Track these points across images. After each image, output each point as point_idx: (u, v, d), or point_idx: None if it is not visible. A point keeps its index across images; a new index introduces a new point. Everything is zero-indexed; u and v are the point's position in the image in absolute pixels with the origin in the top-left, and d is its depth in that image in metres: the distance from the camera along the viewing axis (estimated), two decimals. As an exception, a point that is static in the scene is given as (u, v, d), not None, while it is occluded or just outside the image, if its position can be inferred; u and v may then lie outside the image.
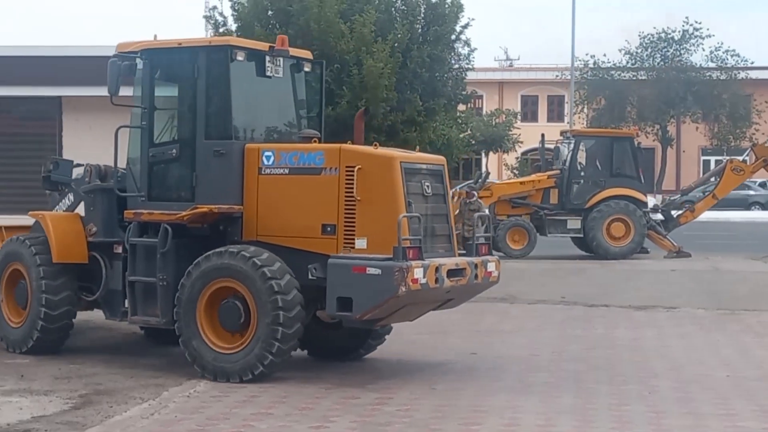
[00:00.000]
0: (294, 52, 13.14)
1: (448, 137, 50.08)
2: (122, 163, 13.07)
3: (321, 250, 11.71)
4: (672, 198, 34.95)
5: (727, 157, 38.19)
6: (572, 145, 28.97)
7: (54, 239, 13.18)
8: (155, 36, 13.00)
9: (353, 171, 11.58)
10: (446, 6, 20.65)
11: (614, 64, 58.81)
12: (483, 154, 67.02)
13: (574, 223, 28.52)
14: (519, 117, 68.09)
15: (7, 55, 23.47)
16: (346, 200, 11.62)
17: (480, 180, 29.86)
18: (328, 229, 11.71)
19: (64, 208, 14.02)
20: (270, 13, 19.97)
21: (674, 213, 30.57)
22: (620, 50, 59.42)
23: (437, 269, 11.45)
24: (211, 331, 11.91)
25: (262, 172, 12.14)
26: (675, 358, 13.63)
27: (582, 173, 28.89)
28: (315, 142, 12.43)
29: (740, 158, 33.08)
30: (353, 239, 11.58)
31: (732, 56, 58.26)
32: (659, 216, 30.31)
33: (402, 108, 19.56)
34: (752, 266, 26.46)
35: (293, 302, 11.50)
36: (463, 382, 11.94)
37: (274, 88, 13.02)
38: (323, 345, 13.24)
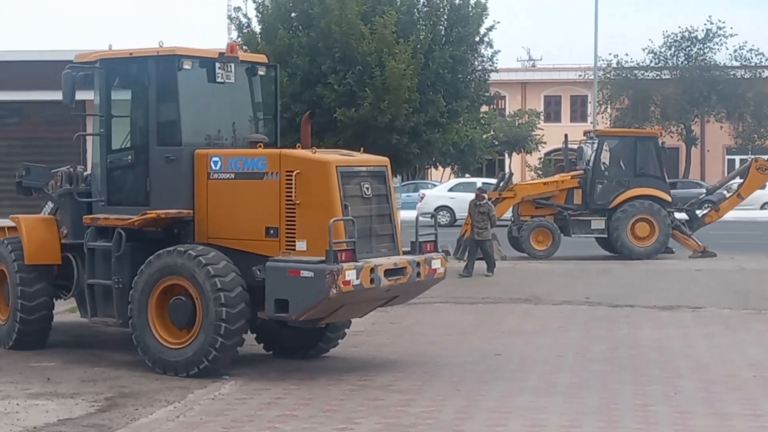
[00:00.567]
0: (247, 57, 13.69)
1: (471, 138, 50.28)
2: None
3: (265, 252, 12.11)
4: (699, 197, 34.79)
5: (752, 156, 37.98)
6: (596, 145, 28.84)
7: (26, 241, 13.83)
8: (110, 46, 13.47)
9: (292, 175, 11.99)
10: (469, 7, 20.62)
11: (638, 64, 58.61)
12: (506, 155, 66.94)
13: (598, 223, 28.40)
14: (542, 117, 67.98)
15: (31, 60, 23.60)
16: (286, 204, 12.02)
17: (503, 181, 29.77)
18: (271, 231, 12.14)
19: (48, 211, 14.59)
20: (292, 15, 20.01)
21: (699, 212, 30.41)
22: (643, 49, 59.27)
23: (372, 270, 11.78)
24: (162, 326, 12.39)
25: (211, 177, 12.59)
26: (700, 359, 13.56)
27: (606, 173, 28.77)
28: (260, 146, 12.73)
29: (765, 157, 32.85)
30: (294, 241, 11.99)
31: (756, 55, 58.00)
32: (684, 216, 30.16)
33: (425, 109, 19.53)
34: (778, 265, 26.30)
35: (236, 300, 11.89)
36: (487, 383, 11.93)
37: (227, 94, 13.44)
38: (284, 343, 13.63)
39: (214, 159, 12.58)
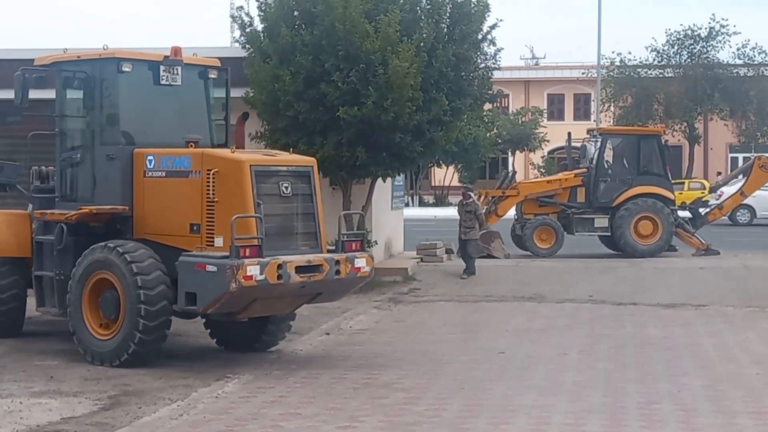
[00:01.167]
0: (198, 60, 14.16)
1: (474, 136, 50.30)
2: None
3: (190, 248, 12.58)
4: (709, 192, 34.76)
5: (755, 154, 37.94)
6: (599, 144, 28.83)
7: None
8: (65, 50, 14.22)
9: (211, 174, 12.46)
10: (472, 5, 20.59)
11: (641, 62, 58.56)
12: (509, 153, 66.93)
13: (601, 221, 28.38)
14: (545, 115, 67.98)
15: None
16: (207, 201, 12.48)
17: (507, 179, 29.76)
18: (195, 228, 12.61)
19: (30, 208, 15.02)
20: (296, 13, 19.96)
21: (702, 210, 30.38)
22: (647, 48, 59.25)
23: (280, 266, 12.09)
24: (94, 318, 12.95)
25: (146, 175, 13.17)
26: (705, 356, 13.55)
27: (609, 171, 28.75)
28: (192, 146, 13.09)
29: (768, 155, 32.80)
30: (213, 237, 12.42)
31: (759, 53, 57.95)
32: (687, 213, 30.13)
33: (428, 108, 19.49)
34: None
35: (157, 297, 12.36)
36: (491, 381, 11.92)
37: (174, 96, 13.94)
38: (230, 336, 14.06)
39: (149, 158, 13.15)
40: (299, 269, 12.35)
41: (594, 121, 57.83)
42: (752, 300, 19.07)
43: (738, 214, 40.18)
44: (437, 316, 17.42)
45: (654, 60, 58.67)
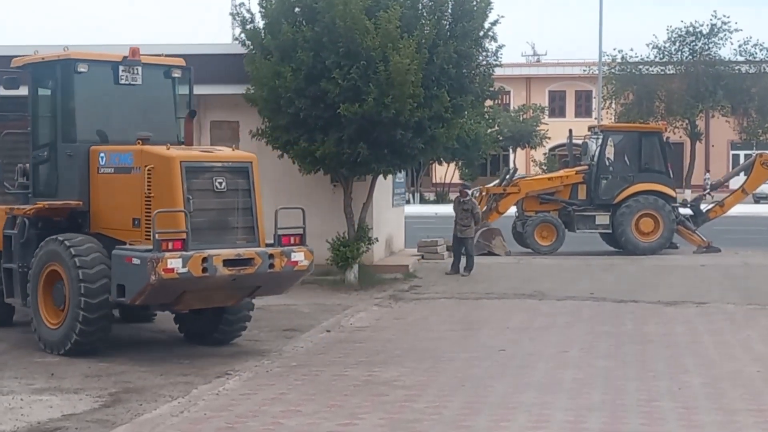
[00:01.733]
0: (162, 60, 14.64)
1: (476, 133, 50.30)
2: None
3: (132, 242, 13.05)
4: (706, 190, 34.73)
5: (757, 151, 37.91)
6: (600, 141, 28.79)
7: None
8: (35, 51, 14.73)
9: (147, 170, 12.95)
10: (474, 2, 20.55)
11: (642, 59, 58.53)
12: (510, 150, 66.93)
13: (602, 218, 28.35)
14: (546, 112, 67.97)
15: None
16: (145, 196, 12.94)
17: (508, 176, 29.74)
18: (136, 222, 13.09)
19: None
20: (296, 10, 19.93)
21: (703, 208, 30.35)
22: (648, 45, 59.25)
23: (205, 259, 12.47)
24: (48, 308, 13.52)
25: (99, 172, 13.70)
26: (705, 354, 13.55)
27: (610, 168, 28.71)
28: (139, 143, 13.41)
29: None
30: (150, 232, 12.66)
31: (761, 50, 57.93)
32: (688, 211, 30.10)
33: (429, 104, 19.45)
34: (783, 261, 26.25)
35: (97, 291, 12.82)
36: (492, 378, 11.92)
37: (137, 95, 14.39)
38: (190, 328, 14.57)
39: (101, 155, 13.66)
40: (228, 262, 12.71)
41: (595, 118, 57.81)
42: (753, 298, 19.06)
43: None
44: (438, 313, 17.42)
45: (655, 57, 58.65)
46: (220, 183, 13.04)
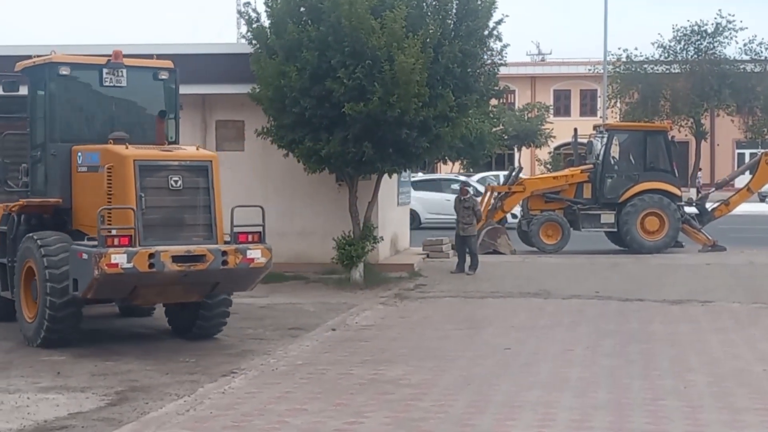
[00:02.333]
0: (148, 62, 14.94)
1: (481, 132, 50.25)
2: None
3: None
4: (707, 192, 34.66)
5: (762, 150, 37.84)
6: (605, 139, 28.78)
7: None
8: (35, 55, 15.08)
9: (108, 169, 13.40)
10: (479, 1, 20.56)
11: (647, 58, 58.45)
12: (515, 149, 66.89)
13: (607, 217, 28.35)
14: (551, 111, 67.90)
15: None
16: (107, 194, 13.38)
17: (513, 175, 29.74)
18: (101, 219, 13.18)
19: None
20: (302, 9, 19.95)
21: (708, 206, 30.32)
22: (653, 43, 59.14)
23: (152, 255, 12.78)
24: (27, 302, 14.04)
25: (78, 171, 14.16)
26: (711, 353, 13.54)
27: (615, 167, 28.71)
28: (111, 143, 13.72)
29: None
30: (110, 229, 13.12)
31: (766, 49, 57.80)
32: (693, 210, 30.08)
33: (434, 103, 19.45)
34: (788, 260, 26.22)
35: (63, 290, 13.18)
36: (497, 377, 11.92)
37: (120, 97, 14.73)
38: (177, 323, 14.88)
39: (79, 154, 14.11)
40: (177, 259, 12.97)
41: (600, 117, 57.73)
42: (759, 296, 19.04)
43: None
44: (443, 312, 17.43)
45: (660, 56, 58.52)
46: (176, 181, 13.36)
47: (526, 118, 64.39)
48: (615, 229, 28.42)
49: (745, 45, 57.91)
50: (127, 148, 13.47)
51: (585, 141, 30.75)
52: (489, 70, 21.67)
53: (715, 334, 15.08)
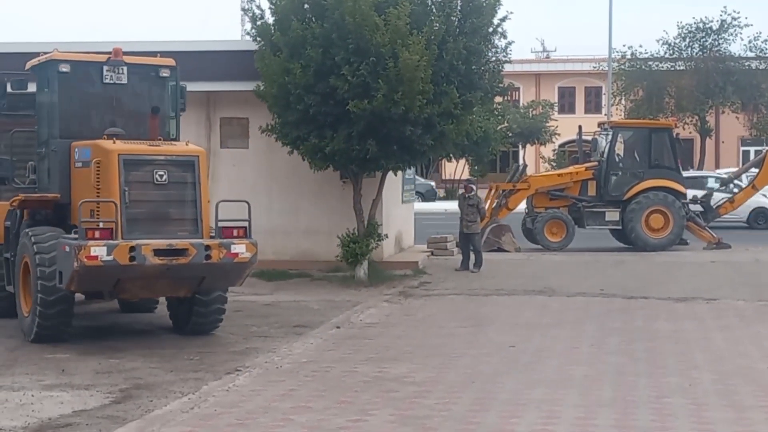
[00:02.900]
0: (149, 60, 15.01)
1: (485, 129, 50.20)
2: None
3: None
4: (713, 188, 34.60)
5: (767, 147, 37.76)
6: (610, 137, 28.73)
7: None
8: (41, 53, 15.05)
9: (95, 163, 13.54)
10: (483, -2, 20.55)
11: (652, 55, 58.36)
12: (520, 147, 66.82)
13: (612, 215, 28.30)
14: (556, 109, 67.84)
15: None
16: (95, 188, 13.54)
17: (517, 172, 29.71)
18: (92, 213, 13.51)
19: None
20: (306, 6, 19.95)
21: (713, 204, 30.27)
22: (658, 40, 58.96)
23: (133, 248, 12.90)
24: (25, 297, 14.22)
25: (75, 166, 14.28)
26: (716, 350, 13.52)
27: (620, 165, 28.66)
28: (105, 138, 13.81)
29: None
30: (98, 222, 13.35)
31: (771, 46, 57.66)
32: (698, 207, 30.04)
33: (438, 101, 19.45)
34: (793, 257, 26.18)
35: (54, 287, 13.32)
36: (502, 375, 11.91)
37: (121, 94, 14.80)
38: (176, 319, 15.01)
39: (76, 150, 14.22)
40: (159, 252, 13.07)
41: (605, 114, 57.67)
42: (763, 294, 19.02)
43: None
44: (447, 309, 17.42)
45: (665, 53, 58.38)
46: (161, 176, 13.47)
47: (530, 115, 64.32)
48: (620, 227, 28.38)
49: (750, 42, 57.76)
50: (114, 143, 13.59)
51: (590, 138, 30.69)
52: (493, 67, 21.67)
53: (720, 331, 15.06)
